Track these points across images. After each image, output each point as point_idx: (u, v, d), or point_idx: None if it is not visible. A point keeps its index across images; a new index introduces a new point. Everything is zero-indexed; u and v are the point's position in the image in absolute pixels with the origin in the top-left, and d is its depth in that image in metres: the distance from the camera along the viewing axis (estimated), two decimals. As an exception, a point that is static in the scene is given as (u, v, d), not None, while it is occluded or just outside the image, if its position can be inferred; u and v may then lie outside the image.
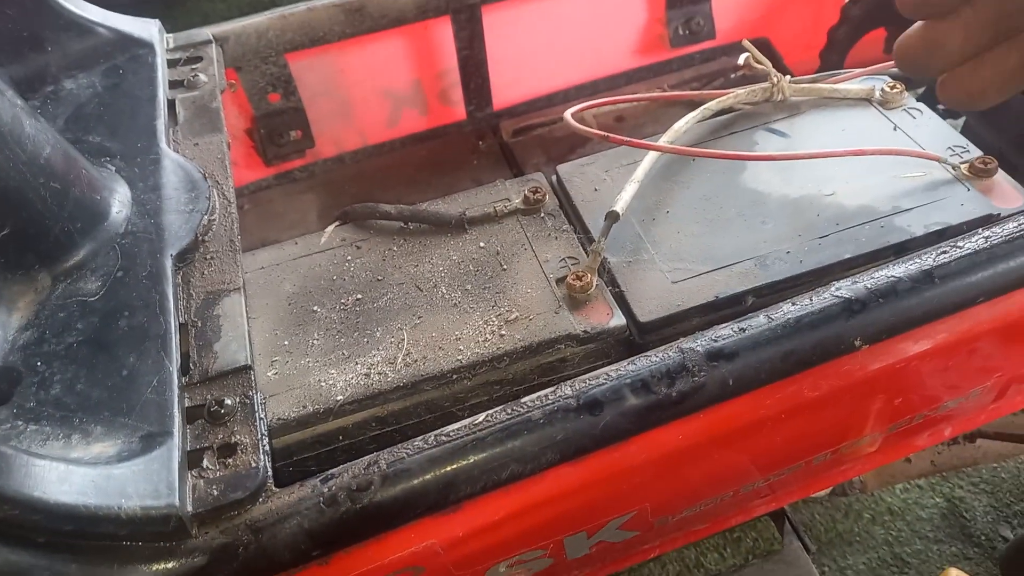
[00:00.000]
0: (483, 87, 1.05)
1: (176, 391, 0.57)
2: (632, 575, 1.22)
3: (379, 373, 0.64)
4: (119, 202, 0.68)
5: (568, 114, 0.76)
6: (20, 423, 0.55)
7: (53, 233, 0.62)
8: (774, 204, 0.73)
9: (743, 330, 0.58)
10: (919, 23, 0.34)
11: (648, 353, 0.58)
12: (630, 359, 0.58)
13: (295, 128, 1.02)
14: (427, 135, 1.09)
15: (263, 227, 0.97)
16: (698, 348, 0.57)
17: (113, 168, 0.71)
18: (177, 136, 0.78)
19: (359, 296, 0.71)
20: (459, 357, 0.65)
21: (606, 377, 0.57)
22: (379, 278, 0.73)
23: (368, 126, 1.10)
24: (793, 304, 0.59)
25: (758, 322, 0.59)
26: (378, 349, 0.66)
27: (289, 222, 0.97)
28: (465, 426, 0.56)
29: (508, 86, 1.10)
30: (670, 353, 0.58)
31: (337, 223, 0.80)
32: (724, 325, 0.59)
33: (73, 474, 0.49)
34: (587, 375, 0.58)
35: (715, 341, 0.58)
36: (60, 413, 0.56)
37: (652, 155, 0.76)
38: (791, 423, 0.64)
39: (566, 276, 0.69)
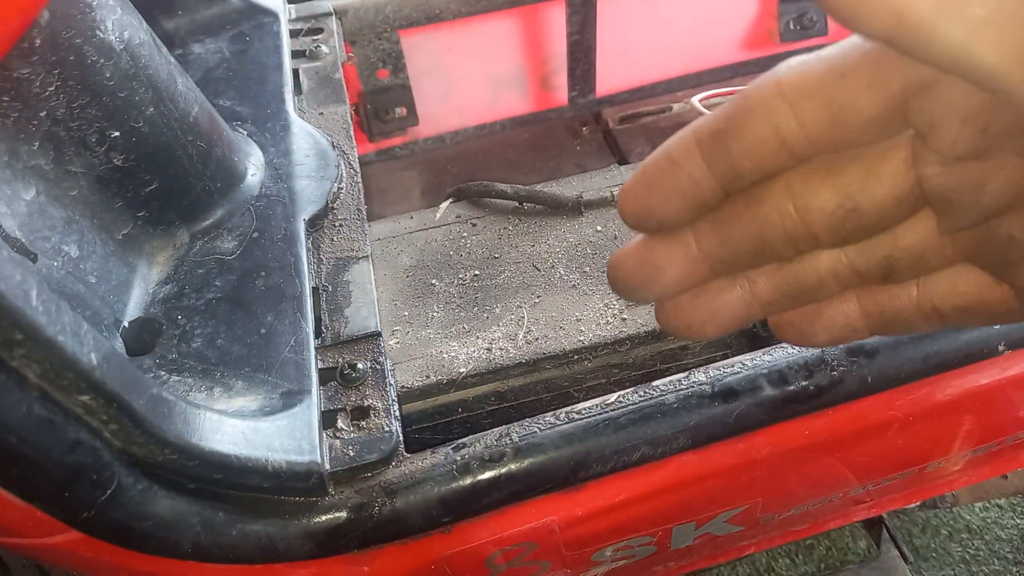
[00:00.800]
0: (589, 73, 1.05)
1: (312, 351, 0.58)
2: (703, 575, 1.21)
3: (500, 349, 0.65)
4: (254, 165, 0.69)
5: (696, 100, 0.75)
6: (163, 373, 0.57)
7: (195, 191, 0.64)
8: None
9: (883, 328, 0.57)
10: (636, 240, 0.28)
11: (784, 345, 0.58)
12: (765, 350, 0.58)
13: (401, 105, 1.03)
14: (528, 119, 1.09)
15: (367, 202, 0.98)
16: (837, 343, 0.56)
17: (245, 132, 0.73)
18: (302, 105, 0.79)
19: (477, 272, 0.72)
20: (580, 338, 0.65)
21: (741, 366, 0.56)
22: (496, 256, 0.73)
23: (468, 108, 1.11)
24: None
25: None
26: (498, 325, 0.67)
27: (392, 198, 0.98)
28: (597, 405, 0.56)
29: (611, 74, 1.10)
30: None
31: (451, 200, 0.80)
32: (861, 322, 0.58)
33: (225, 424, 0.50)
34: (720, 363, 0.58)
35: (854, 337, 0.57)
36: (201, 366, 0.57)
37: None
38: (917, 426, 0.62)
39: (689, 264, 0.68)
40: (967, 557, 1.25)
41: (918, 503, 0.94)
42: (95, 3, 0.55)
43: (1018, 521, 1.31)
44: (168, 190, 0.62)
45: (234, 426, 0.51)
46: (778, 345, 0.58)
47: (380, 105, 1.02)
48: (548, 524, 0.58)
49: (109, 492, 0.44)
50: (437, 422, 0.65)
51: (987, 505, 1.33)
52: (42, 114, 0.54)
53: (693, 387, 0.56)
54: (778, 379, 0.55)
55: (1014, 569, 1.25)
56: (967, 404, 0.61)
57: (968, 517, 1.31)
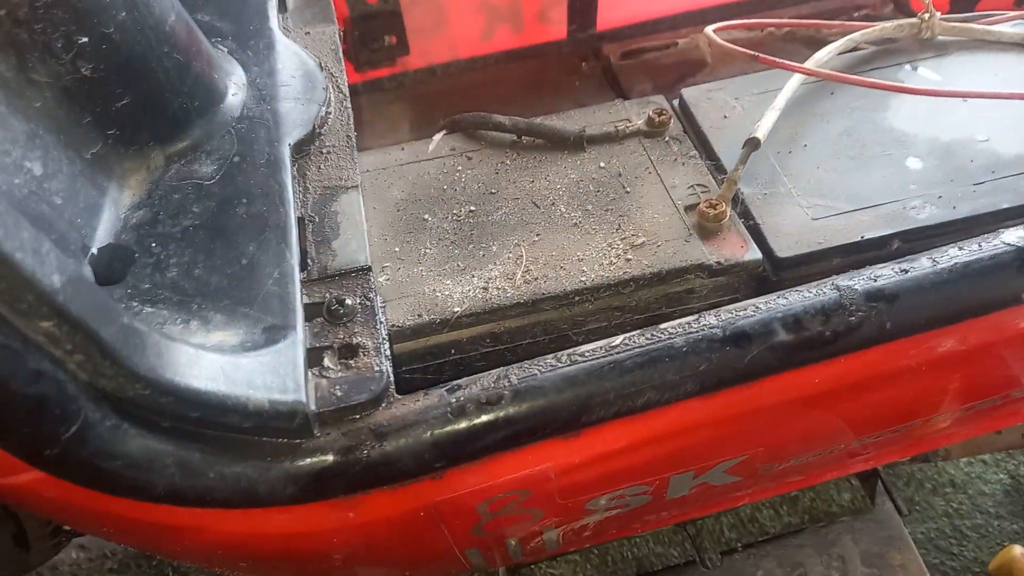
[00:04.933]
0: (590, 6, 1.00)
1: (298, 285, 0.54)
2: (690, 524, 1.19)
3: (497, 288, 0.61)
4: (235, 84, 0.64)
5: (710, 30, 0.71)
6: (136, 304, 0.53)
7: (171, 108, 0.59)
8: (922, 145, 0.68)
9: (905, 271, 0.54)
10: None
11: (799, 288, 0.55)
12: (779, 293, 0.54)
13: (390, 33, 0.98)
14: (523, 53, 1.04)
15: (354, 133, 0.93)
16: (856, 286, 0.53)
17: (226, 49, 0.67)
18: (287, 23, 0.74)
19: (472, 208, 0.68)
20: (582, 278, 0.61)
21: (755, 309, 0.53)
22: (492, 191, 0.69)
23: (461, 40, 1.05)
24: (960, 249, 0.55)
25: (922, 264, 0.55)
26: (495, 263, 0.63)
27: (379, 131, 0.93)
28: (601, 347, 0.53)
29: (612, 7, 1.04)
30: (825, 290, 0.54)
31: (444, 132, 0.76)
32: (881, 265, 0.55)
33: (203, 359, 0.46)
34: (732, 306, 0.54)
35: (874, 280, 0.54)
36: (177, 297, 0.53)
37: (793, 83, 0.70)
38: (930, 375, 0.60)
39: (697, 204, 0.65)
40: (950, 511, 1.25)
41: (909, 457, 0.93)
42: None
43: (1001, 476, 1.31)
44: (141, 106, 0.57)
45: (213, 361, 0.47)
46: (792, 288, 0.55)
47: (368, 32, 0.97)
48: (544, 471, 0.56)
49: (74, 428, 0.40)
50: (428, 363, 0.61)
51: (971, 460, 1.33)
52: (2, 12, 0.49)
53: (704, 330, 0.53)
54: (793, 323, 0.53)
55: (995, 523, 1.26)
56: (986, 353, 0.59)
57: (952, 472, 1.31)
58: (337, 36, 0.73)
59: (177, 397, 0.44)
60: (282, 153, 0.60)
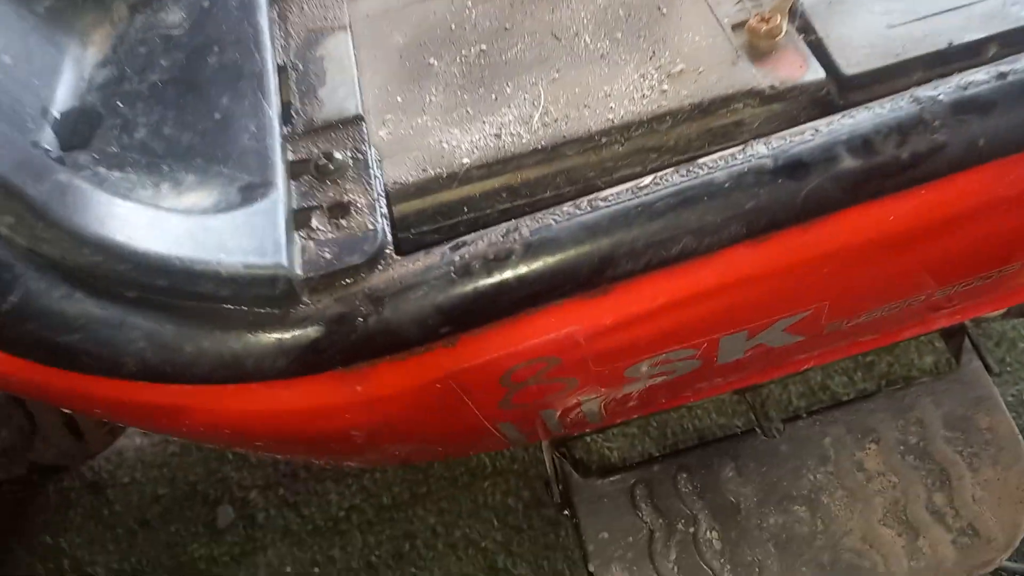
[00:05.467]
0: None
1: (278, 139, 0.47)
2: (748, 392, 1.13)
3: (511, 134, 0.53)
4: (199, -83, 0.55)
5: None
6: (102, 169, 0.47)
7: (125, -52, 0.51)
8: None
9: (1003, 75, 0.44)
10: None
11: (869, 104, 0.45)
12: (845, 112, 0.45)
13: None
14: None
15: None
16: (940, 97, 0.43)
17: None
18: None
19: (483, 47, 0.59)
20: (609, 116, 0.53)
21: (813, 132, 0.44)
22: (506, 27, 0.60)
23: None
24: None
25: (1022, 63, 0.44)
26: (509, 107, 0.55)
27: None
28: (628, 189, 0.45)
29: None
30: (901, 103, 0.44)
31: (453, -36, 0.66)
32: (976, 70, 0.45)
33: (164, 221, 0.41)
34: (787, 131, 0.45)
35: (964, 89, 0.44)
36: (147, 159, 0.47)
37: None
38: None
39: (746, 20, 0.54)
40: (1046, 377, 1.14)
41: (1002, 311, 0.83)
42: None
43: (1106, 334, 1.19)
44: (90, -54, 0.50)
45: (178, 224, 0.41)
46: (863, 104, 0.45)
47: None
48: (571, 335, 0.49)
49: (16, 298, 0.36)
50: (439, 224, 0.55)
51: (1073, 317, 1.21)
52: None
53: (751, 161, 0.44)
54: (861, 146, 0.43)
55: (1096, 384, 1.15)
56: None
57: (1051, 330, 1.20)
58: None
59: (136, 264, 0.39)
60: (256, -8, 0.53)
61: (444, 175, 0.52)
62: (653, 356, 0.55)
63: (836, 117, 0.45)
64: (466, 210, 0.54)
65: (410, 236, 0.54)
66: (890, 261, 0.51)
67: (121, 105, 0.50)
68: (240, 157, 0.46)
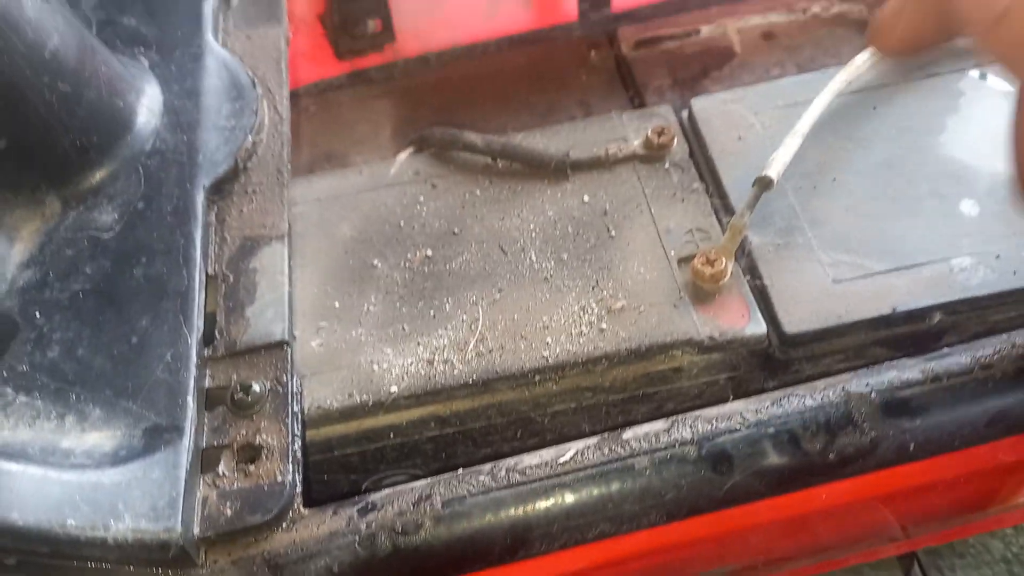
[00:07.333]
0: (603, -18, 0.86)
1: (193, 371, 0.45)
2: None
3: (444, 361, 0.52)
4: (147, 109, 0.55)
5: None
6: (9, 391, 0.45)
7: (61, 147, 0.50)
8: (982, 185, 0.55)
9: (937, 378, 0.43)
10: None
11: (798, 390, 0.44)
12: (773, 396, 0.44)
13: (374, 16, 0.86)
14: (529, 37, 0.91)
15: (329, 137, 0.83)
16: (872, 396, 0.42)
17: (146, 62, 0.58)
18: (228, 26, 0.64)
19: (429, 252, 0.58)
20: (545, 353, 0.51)
21: (740, 421, 0.43)
22: (455, 231, 0.59)
23: (460, 20, 0.93)
24: (1013, 344, 0.43)
25: (958, 364, 0.43)
26: (446, 328, 0.53)
27: (359, 135, 0.83)
28: (547, 463, 0.43)
29: (631, -17, 0.90)
30: (831, 395, 0.43)
31: (411, 149, 0.65)
32: (906, 362, 0.44)
33: (51, 485, 0.39)
34: (712, 410, 0.44)
35: (896, 389, 0.43)
36: (55, 384, 0.45)
37: (822, 101, 0.58)
38: (967, 485, 0.49)
39: (692, 256, 0.53)
40: (1009, 556, 1.13)
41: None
42: None
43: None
44: (24, 146, 0.49)
45: (66, 486, 0.39)
46: (790, 390, 0.44)
47: (349, 15, 0.85)
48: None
49: None
50: (364, 448, 0.53)
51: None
52: None
53: (674, 448, 0.42)
54: (788, 442, 0.42)
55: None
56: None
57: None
58: (283, 40, 0.63)
59: (14, 536, 0.37)
60: (194, 197, 0.51)
61: (370, 403, 0.51)
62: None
63: (764, 401, 0.43)
64: (392, 436, 0.53)
65: (334, 458, 0.52)
66: (809, 529, 0.50)
67: (39, 316, 0.48)
68: (150, 392, 0.44)
